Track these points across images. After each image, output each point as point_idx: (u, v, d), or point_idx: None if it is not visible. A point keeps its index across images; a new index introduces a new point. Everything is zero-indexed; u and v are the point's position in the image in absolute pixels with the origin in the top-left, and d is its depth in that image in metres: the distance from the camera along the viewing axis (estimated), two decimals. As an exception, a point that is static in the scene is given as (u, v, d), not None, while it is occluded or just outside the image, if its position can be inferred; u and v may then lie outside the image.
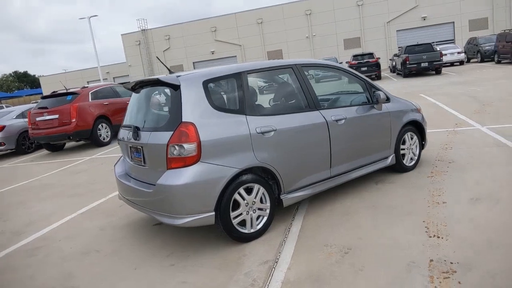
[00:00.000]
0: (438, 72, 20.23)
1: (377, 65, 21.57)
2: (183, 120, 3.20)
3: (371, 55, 22.09)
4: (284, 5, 39.06)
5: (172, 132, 3.20)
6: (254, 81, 4.10)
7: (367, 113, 4.38)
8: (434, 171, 4.85)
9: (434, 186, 4.30)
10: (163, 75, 3.55)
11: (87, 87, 11.26)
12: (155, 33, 42.28)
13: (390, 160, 4.69)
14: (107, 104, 10.98)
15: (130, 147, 3.77)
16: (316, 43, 38.47)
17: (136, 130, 3.58)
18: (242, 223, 3.43)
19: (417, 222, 3.44)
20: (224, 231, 3.33)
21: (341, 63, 17.84)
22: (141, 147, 3.54)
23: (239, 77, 3.58)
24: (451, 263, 2.73)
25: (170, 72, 3.88)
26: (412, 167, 4.99)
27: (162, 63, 4.14)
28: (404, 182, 4.57)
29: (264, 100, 4.22)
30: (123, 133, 3.94)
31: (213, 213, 3.23)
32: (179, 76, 3.38)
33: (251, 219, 3.47)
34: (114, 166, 4.24)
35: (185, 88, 3.30)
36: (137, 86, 3.89)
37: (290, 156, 3.67)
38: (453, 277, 2.55)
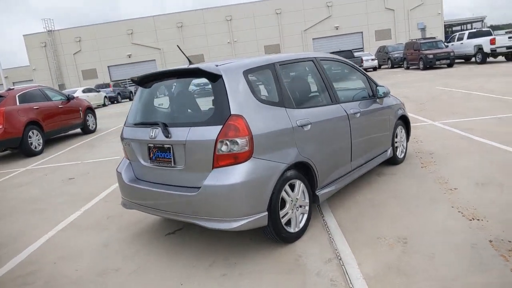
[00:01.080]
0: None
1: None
2: (232, 112, 2.89)
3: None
4: (205, 10, 38.88)
5: (220, 126, 2.87)
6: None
7: (374, 107, 4.47)
8: (423, 162, 5.14)
9: (434, 175, 4.54)
10: (204, 64, 3.18)
11: (13, 89, 9.79)
12: (63, 34, 38.84)
13: (389, 153, 4.85)
14: (37, 108, 9.67)
15: (150, 146, 3.30)
16: (238, 48, 38.96)
17: (165, 127, 3.14)
18: (288, 222, 3.22)
19: (448, 208, 3.58)
20: (273, 231, 3.08)
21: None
22: (171, 145, 3.12)
23: (273, 68, 3.38)
24: (509, 241, 2.87)
25: (190, 62, 3.51)
26: (402, 159, 5.23)
27: (183, 53, 3.74)
28: (404, 173, 4.76)
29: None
30: (135, 132, 3.44)
31: (266, 213, 2.97)
32: (218, 65, 3.06)
33: (296, 217, 3.28)
34: (119, 170, 3.68)
35: (228, 78, 3.00)
36: (152, 79, 3.44)
37: (323, 149, 3.57)
38: (523, 254, 2.68)
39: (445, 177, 4.44)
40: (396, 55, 26.47)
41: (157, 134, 3.19)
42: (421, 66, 21.85)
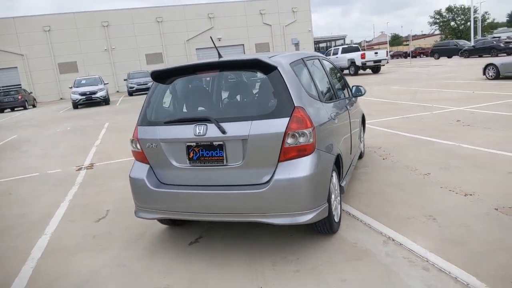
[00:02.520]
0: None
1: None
2: (295, 104, 2.86)
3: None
4: (76, 14, 35.54)
5: (287, 119, 2.80)
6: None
7: (354, 104, 4.87)
8: (381, 154, 5.76)
9: (400, 164, 5.15)
10: (258, 55, 3.02)
11: None
12: None
13: (361, 147, 5.31)
14: None
15: (191, 145, 2.99)
16: (117, 56, 36.58)
17: (217, 123, 2.89)
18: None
19: (439, 189, 4.12)
20: (327, 222, 3.12)
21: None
22: (223, 142, 2.90)
23: (304, 62, 3.45)
24: (509, 207, 3.49)
25: (220, 56, 3.31)
26: (363, 153, 5.77)
27: (215, 45, 3.44)
28: (374, 165, 5.27)
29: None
30: (168, 131, 3.07)
31: (327, 204, 3.00)
32: (271, 57, 2.99)
33: (337, 207, 3.38)
34: (137, 176, 3.21)
35: (283, 70, 2.96)
36: (183, 72, 3.15)
37: (344, 142, 3.76)
38: (528, 216, 3.30)
39: (410, 165, 5.08)
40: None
41: (205, 131, 2.92)
42: (305, 76, 23.98)
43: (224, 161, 2.93)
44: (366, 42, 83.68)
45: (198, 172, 3.04)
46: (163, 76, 3.24)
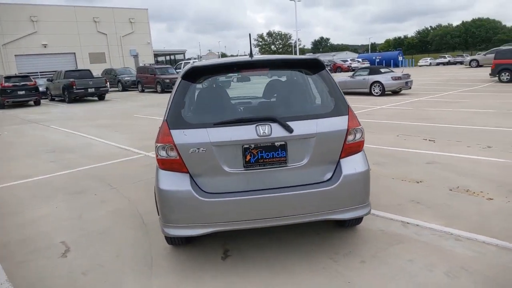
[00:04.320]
0: (102, 98, 20.90)
1: (36, 89, 19.24)
2: (347, 103, 2.99)
3: (27, 77, 19.37)
4: None
5: (346, 117, 2.91)
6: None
7: None
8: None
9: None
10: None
11: None
12: None
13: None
14: None
15: (248, 148, 2.75)
16: None
17: (284, 122, 2.74)
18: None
19: (393, 180, 4.84)
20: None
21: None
22: (285, 142, 2.78)
23: None
24: (458, 187, 4.41)
25: (251, 55, 3.13)
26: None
27: (250, 44, 3.11)
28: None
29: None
30: (220, 133, 2.72)
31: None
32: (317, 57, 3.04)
33: None
34: (178, 188, 2.72)
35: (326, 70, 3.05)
36: (223, 70, 2.87)
37: None
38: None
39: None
40: (126, 78, 26.94)
41: (270, 131, 2.74)
42: (159, 89, 23.42)
43: (286, 161, 2.82)
44: (195, 59, 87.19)
45: (252, 176, 2.81)
46: (200, 73, 2.88)
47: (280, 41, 72.31)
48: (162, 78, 23.17)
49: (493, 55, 27.20)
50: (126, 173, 5.94)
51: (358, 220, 3.37)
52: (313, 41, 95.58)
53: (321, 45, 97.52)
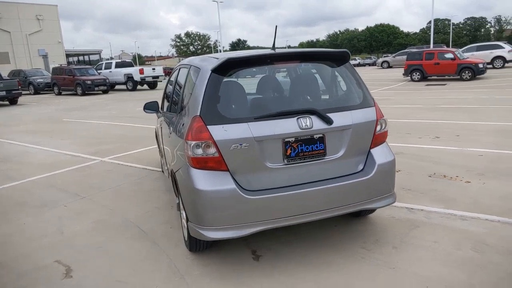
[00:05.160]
0: (14, 102, 18.65)
1: None
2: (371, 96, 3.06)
3: None
4: None
5: (373, 108, 2.98)
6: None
7: None
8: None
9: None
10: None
11: None
12: None
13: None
14: None
15: (289, 141, 2.65)
16: None
17: (323, 114, 2.69)
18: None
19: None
20: None
21: None
22: (323, 134, 2.75)
23: None
24: (434, 173, 4.78)
25: (274, 49, 3.03)
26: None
27: (275, 36, 2.95)
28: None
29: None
30: (261, 127, 2.59)
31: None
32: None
33: None
34: (219, 188, 2.52)
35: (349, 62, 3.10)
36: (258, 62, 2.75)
37: None
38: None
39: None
40: (39, 80, 24.41)
41: (311, 123, 2.68)
42: (79, 92, 21.64)
43: (325, 154, 2.79)
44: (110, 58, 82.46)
45: (292, 171, 2.73)
46: (233, 66, 2.71)
47: (198, 41, 71.69)
48: (82, 79, 21.47)
49: (401, 57, 30.36)
50: (89, 180, 5.37)
51: (372, 210, 3.47)
52: (230, 43, 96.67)
53: (239, 46, 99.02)
